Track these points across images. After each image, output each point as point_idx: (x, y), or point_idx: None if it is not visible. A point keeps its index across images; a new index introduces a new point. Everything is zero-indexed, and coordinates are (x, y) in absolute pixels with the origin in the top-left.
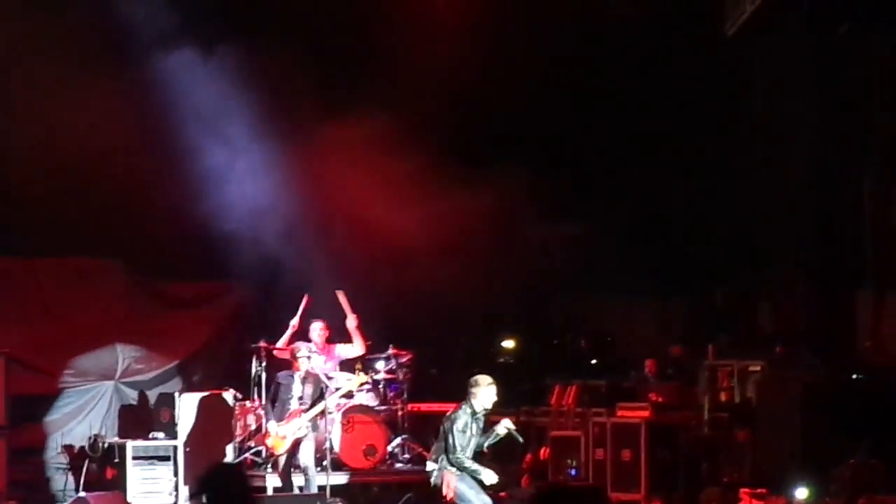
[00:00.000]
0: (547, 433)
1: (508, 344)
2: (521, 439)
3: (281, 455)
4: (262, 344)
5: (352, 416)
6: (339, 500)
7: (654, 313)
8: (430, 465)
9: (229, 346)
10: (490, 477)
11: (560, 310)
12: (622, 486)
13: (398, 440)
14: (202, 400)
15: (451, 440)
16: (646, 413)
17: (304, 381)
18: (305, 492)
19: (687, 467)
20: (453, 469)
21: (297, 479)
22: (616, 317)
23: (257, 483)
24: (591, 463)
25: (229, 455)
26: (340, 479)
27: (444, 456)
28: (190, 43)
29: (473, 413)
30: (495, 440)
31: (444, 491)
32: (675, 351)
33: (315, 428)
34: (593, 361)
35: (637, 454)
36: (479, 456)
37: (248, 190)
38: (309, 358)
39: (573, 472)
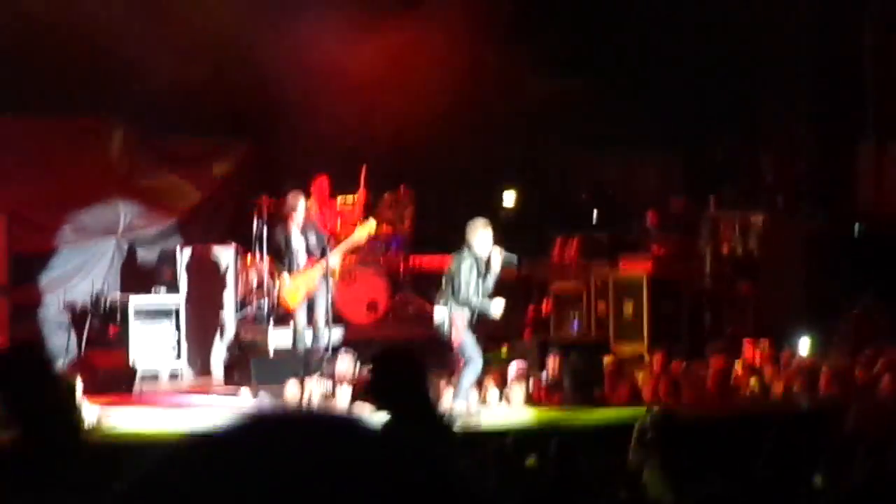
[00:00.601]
0: (549, 286)
1: (509, 196)
2: (514, 262)
3: (295, 309)
4: (265, 199)
5: (353, 269)
6: (349, 350)
7: (654, 165)
8: (437, 311)
9: (231, 201)
10: (498, 306)
11: (560, 163)
12: (625, 338)
13: (399, 295)
14: (203, 254)
15: (457, 280)
16: (648, 266)
17: (303, 231)
18: (315, 348)
19: (690, 320)
20: (463, 310)
21: (307, 336)
22: (616, 169)
23: (258, 338)
24: (593, 316)
25: (231, 310)
26: (338, 334)
27: (451, 299)
28: None
29: (476, 257)
30: (494, 277)
31: (452, 333)
32: (677, 203)
33: (326, 280)
34: (595, 213)
35: (640, 307)
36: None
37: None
38: (296, 211)
39: (576, 325)
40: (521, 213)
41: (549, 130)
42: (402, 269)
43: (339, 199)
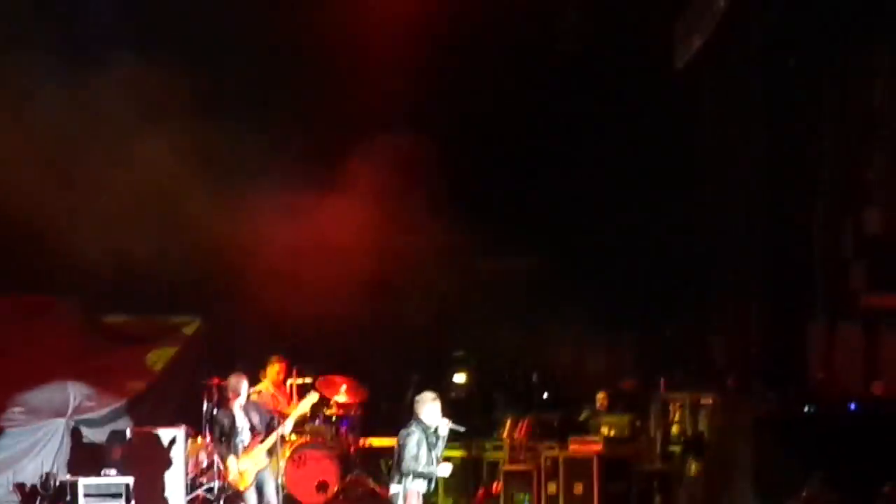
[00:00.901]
0: (499, 467)
1: (459, 378)
2: (461, 429)
3: (245, 491)
4: (214, 380)
5: (303, 451)
6: None
7: (604, 347)
8: (392, 488)
9: (181, 382)
10: (445, 469)
11: (510, 344)
12: None
13: (350, 476)
14: (153, 436)
15: (403, 452)
16: (598, 446)
17: (246, 412)
18: None
19: (640, 501)
20: (416, 483)
21: None
22: (567, 350)
23: None
24: (543, 497)
25: (181, 492)
26: None
27: (400, 478)
28: None
29: (424, 429)
30: (443, 444)
31: None
32: (627, 384)
33: (272, 456)
34: (545, 395)
35: (590, 488)
36: (432, 482)
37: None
38: (239, 394)
39: None
40: (472, 394)
41: (498, 311)
42: (353, 450)
43: (290, 381)
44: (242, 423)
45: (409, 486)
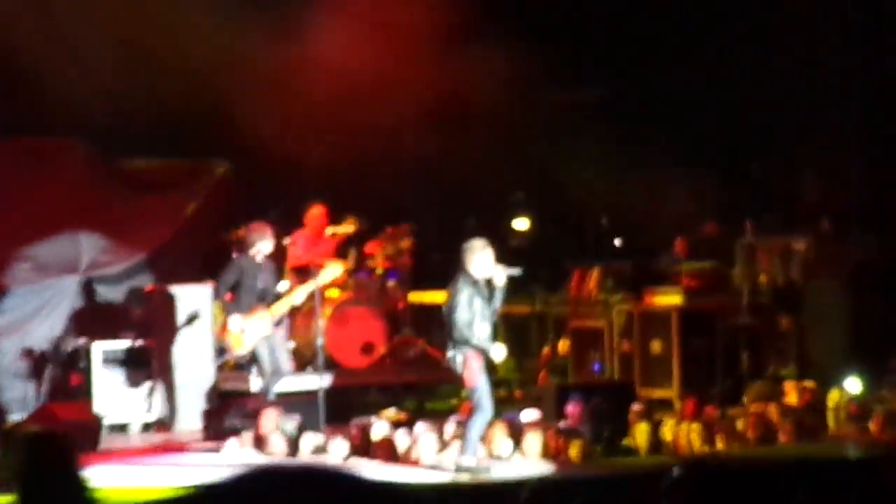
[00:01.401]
0: (566, 324)
1: (520, 224)
2: (518, 272)
3: (240, 354)
4: (244, 231)
5: (345, 308)
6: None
7: (684, 187)
8: (449, 352)
9: (207, 233)
10: (499, 352)
11: (578, 184)
12: (652, 381)
13: (399, 336)
14: (177, 295)
15: (454, 316)
16: (677, 299)
17: (263, 268)
18: (263, 394)
19: (725, 359)
20: (471, 347)
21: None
22: (641, 191)
23: (239, 386)
24: (616, 356)
25: (208, 357)
26: (326, 381)
27: (456, 340)
28: None
29: (474, 282)
30: (501, 296)
31: (465, 374)
32: (709, 228)
33: (279, 325)
34: (617, 242)
35: (668, 345)
36: (494, 336)
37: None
38: (261, 246)
39: (596, 367)
40: (535, 242)
41: (565, 148)
42: (401, 307)
43: (329, 230)
44: (257, 279)
45: (466, 348)
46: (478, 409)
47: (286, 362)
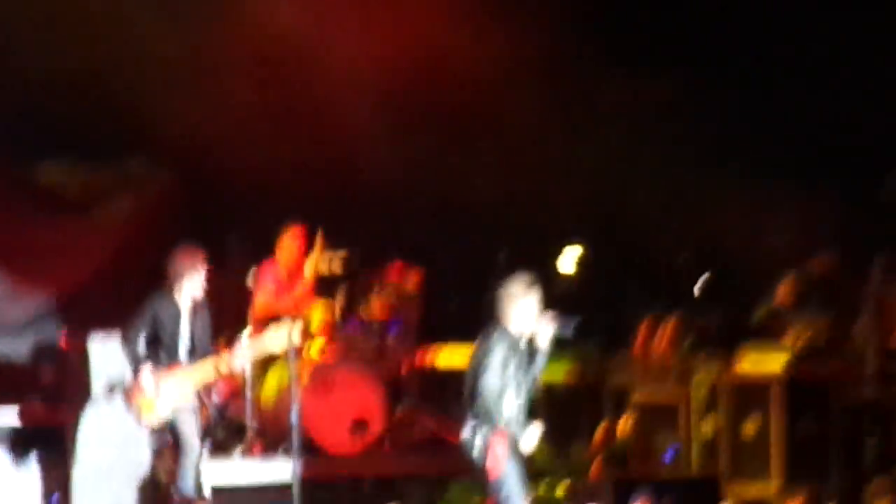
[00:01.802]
0: (629, 397)
1: (568, 260)
2: (569, 331)
3: (149, 424)
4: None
5: (329, 371)
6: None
7: (791, 212)
8: (465, 431)
9: (144, 266)
10: (531, 437)
11: (647, 208)
12: (745, 474)
13: (401, 409)
14: (101, 350)
15: (481, 382)
16: (780, 364)
17: (195, 313)
18: (179, 482)
19: (843, 446)
20: (501, 433)
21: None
22: (736, 218)
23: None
24: (695, 439)
25: (144, 438)
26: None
27: (477, 416)
28: None
29: (512, 341)
30: (543, 362)
31: (489, 461)
32: (825, 266)
33: (205, 397)
34: (699, 286)
35: (767, 427)
36: (529, 413)
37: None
38: (185, 276)
39: (670, 453)
40: (588, 284)
41: (631, 159)
42: (404, 371)
43: (309, 264)
44: (184, 324)
45: (490, 427)
46: None
47: (194, 439)
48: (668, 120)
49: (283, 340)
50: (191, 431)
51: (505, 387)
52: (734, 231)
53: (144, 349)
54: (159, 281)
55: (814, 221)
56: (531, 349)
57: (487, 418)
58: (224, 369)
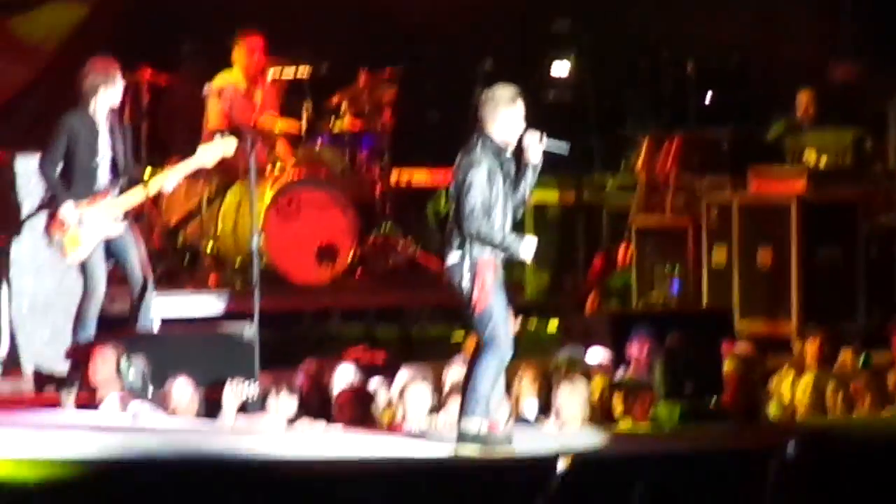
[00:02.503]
0: (629, 221)
1: (561, 67)
2: (563, 148)
3: (73, 260)
4: (145, 72)
5: (295, 191)
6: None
7: (812, 16)
8: (450, 258)
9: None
10: (528, 248)
11: (650, 8)
12: (759, 309)
13: (375, 234)
14: (31, 169)
15: (466, 200)
16: (799, 185)
17: (114, 129)
18: (140, 318)
19: (870, 279)
20: (490, 253)
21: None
22: (743, 17)
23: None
24: (705, 269)
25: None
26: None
27: (464, 240)
28: None
29: (498, 152)
30: (533, 178)
31: (474, 293)
32: (846, 75)
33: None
34: (708, 95)
35: (784, 255)
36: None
37: None
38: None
39: (675, 286)
40: (583, 96)
41: None
42: (378, 190)
43: (271, 72)
44: (103, 144)
45: (478, 254)
46: (490, 345)
47: (141, 273)
48: None
49: (215, 154)
50: (133, 262)
51: (492, 205)
52: (748, 36)
53: (60, 175)
54: None
55: (835, 26)
56: (519, 166)
57: (477, 240)
58: (152, 191)
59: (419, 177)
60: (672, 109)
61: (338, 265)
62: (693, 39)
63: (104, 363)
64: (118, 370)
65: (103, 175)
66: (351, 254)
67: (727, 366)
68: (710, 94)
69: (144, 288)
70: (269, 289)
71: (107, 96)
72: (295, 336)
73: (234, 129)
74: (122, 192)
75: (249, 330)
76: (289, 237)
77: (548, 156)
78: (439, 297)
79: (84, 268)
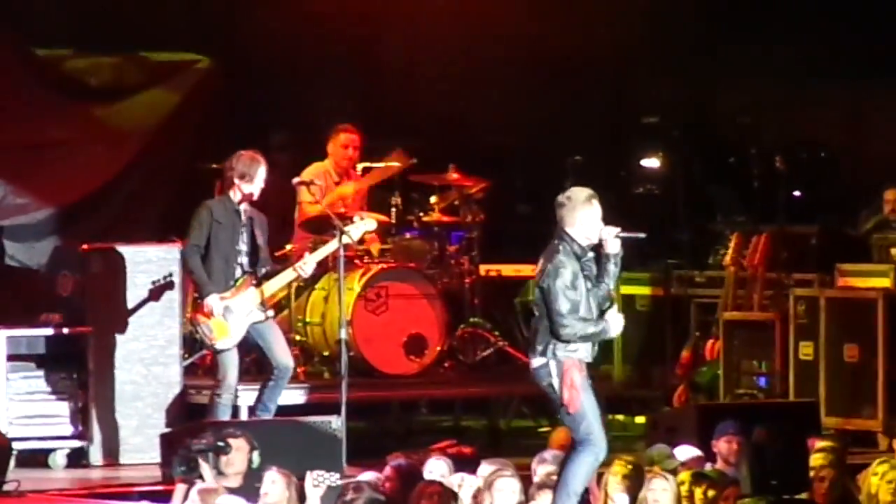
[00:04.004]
0: (717, 314)
1: (650, 162)
2: (640, 236)
3: (223, 349)
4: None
5: (383, 284)
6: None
7: None
8: (535, 361)
9: (177, 167)
10: (616, 321)
11: (739, 101)
12: (846, 404)
13: (464, 327)
14: (128, 258)
15: (556, 308)
16: (888, 280)
17: (253, 220)
18: (266, 401)
19: None
20: (573, 355)
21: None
22: (839, 114)
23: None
24: (792, 366)
25: (174, 352)
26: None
27: (552, 339)
28: None
29: (578, 255)
30: (616, 270)
31: (565, 394)
32: None
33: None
34: (797, 193)
35: (872, 350)
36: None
37: None
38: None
39: (762, 380)
40: (671, 190)
41: (717, 41)
42: (468, 284)
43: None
44: (244, 235)
45: (563, 355)
46: (585, 443)
47: (288, 360)
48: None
49: (356, 234)
50: (277, 347)
51: (578, 304)
52: (835, 134)
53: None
54: (197, 180)
55: None
56: (599, 261)
57: (560, 343)
58: (297, 277)
59: (507, 269)
60: (761, 204)
61: (427, 357)
62: (782, 134)
63: (238, 452)
64: (249, 462)
65: (243, 262)
66: (440, 345)
67: (813, 461)
68: (798, 189)
69: (286, 374)
70: (357, 380)
71: (249, 186)
72: (382, 428)
73: (324, 221)
74: (261, 279)
75: (337, 421)
76: (377, 328)
77: (639, 249)
78: (527, 388)
79: (222, 357)
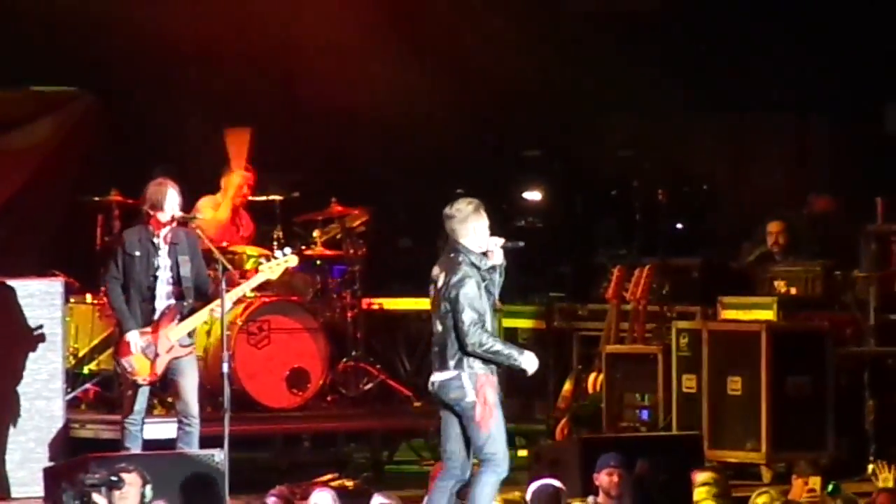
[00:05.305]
0: (599, 348)
1: (532, 195)
2: (519, 244)
3: (142, 386)
4: (115, 196)
5: (265, 318)
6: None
7: (784, 142)
8: (442, 374)
9: (57, 200)
10: (531, 362)
11: (620, 135)
12: (729, 437)
13: (347, 360)
14: (7, 294)
15: (464, 317)
16: (769, 313)
17: (174, 247)
18: (183, 447)
19: (841, 407)
20: (488, 370)
21: (169, 429)
22: (719, 149)
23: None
24: (675, 396)
25: (56, 386)
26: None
27: (462, 355)
28: None
29: (477, 266)
30: (500, 277)
31: (478, 411)
32: (820, 205)
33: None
34: (678, 226)
35: (755, 383)
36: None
37: None
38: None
39: (644, 413)
40: (553, 221)
41: (603, 81)
42: (350, 316)
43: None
44: (164, 263)
45: (478, 369)
46: (490, 462)
47: (192, 395)
48: (649, 41)
49: (278, 270)
50: (186, 388)
51: (484, 316)
52: (721, 167)
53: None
54: (79, 214)
55: (805, 158)
56: (486, 272)
57: (473, 356)
58: (217, 311)
59: (389, 303)
60: (643, 237)
61: (308, 391)
62: (664, 167)
63: (131, 487)
64: (142, 497)
65: (166, 293)
66: (322, 379)
67: (697, 494)
68: (680, 222)
69: (193, 422)
70: (240, 414)
71: (162, 214)
72: (265, 461)
73: (206, 255)
74: (184, 313)
75: (220, 454)
76: (259, 362)
77: (522, 283)
78: (410, 422)
79: (169, 387)
